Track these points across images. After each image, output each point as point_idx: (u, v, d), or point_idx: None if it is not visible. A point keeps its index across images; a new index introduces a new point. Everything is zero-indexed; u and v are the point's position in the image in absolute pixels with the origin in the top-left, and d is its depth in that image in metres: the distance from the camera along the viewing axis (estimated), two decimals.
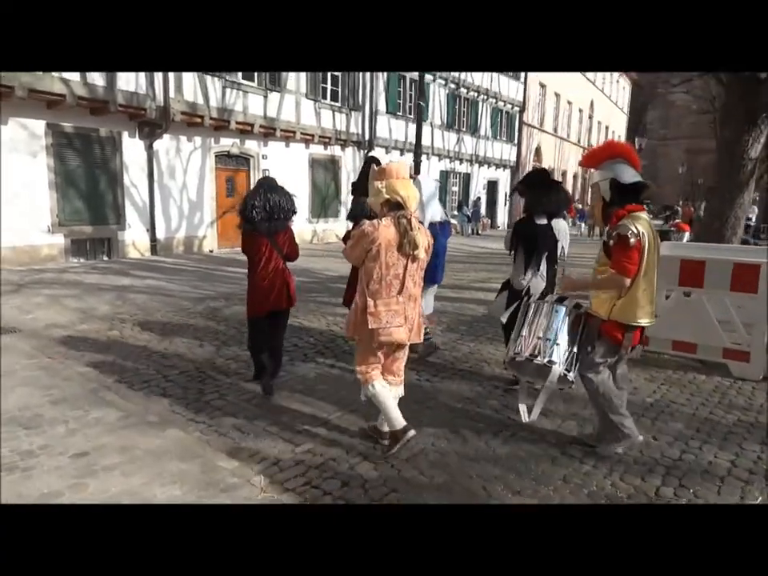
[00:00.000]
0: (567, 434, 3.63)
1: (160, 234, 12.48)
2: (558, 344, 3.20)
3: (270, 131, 14.17)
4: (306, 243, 16.20)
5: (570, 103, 35.52)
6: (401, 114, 19.12)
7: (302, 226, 16.10)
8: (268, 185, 4.16)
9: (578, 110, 37.53)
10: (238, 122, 13.20)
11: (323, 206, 16.81)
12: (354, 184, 4.97)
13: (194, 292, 8.40)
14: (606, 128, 44.86)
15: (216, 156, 13.52)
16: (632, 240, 2.93)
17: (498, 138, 25.74)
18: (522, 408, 3.45)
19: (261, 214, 4.00)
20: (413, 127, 19.63)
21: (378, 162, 3.66)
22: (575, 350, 3.22)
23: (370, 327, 3.06)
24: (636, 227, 2.95)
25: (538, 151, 30.98)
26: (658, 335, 4.98)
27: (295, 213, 4.22)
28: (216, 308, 7.29)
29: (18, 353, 5.00)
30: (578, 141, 38.18)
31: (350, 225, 4.57)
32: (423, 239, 3.14)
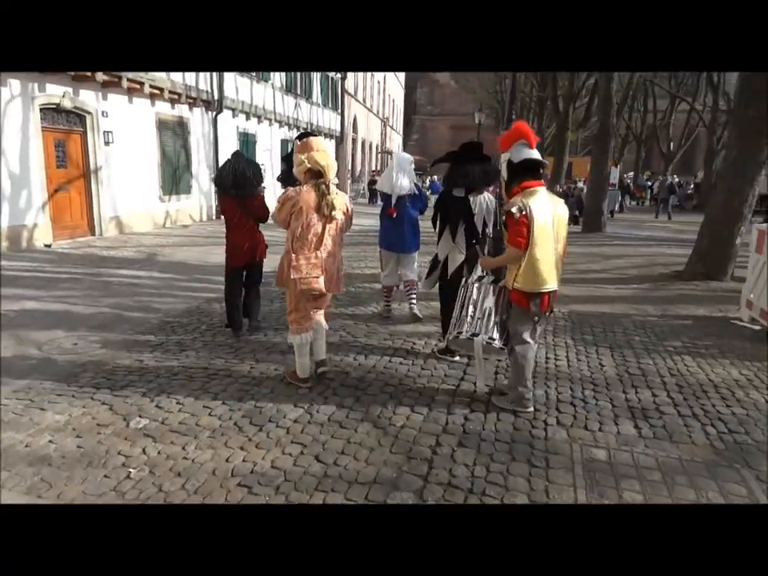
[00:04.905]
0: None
1: None
2: (479, 318, 3.50)
3: (113, 80, 10.52)
4: (159, 227, 12.83)
5: (372, 75, 35.48)
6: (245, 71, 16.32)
7: (152, 206, 12.65)
8: (238, 156, 4.83)
9: (377, 83, 37.79)
10: None
11: (174, 180, 13.41)
12: (284, 157, 5.18)
13: (133, 316, 5.50)
14: (393, 101, 46.37)
15: (42, 110, 9.49)
16: (516, 215, 3.18)
17: (327, 105, 24.21)
18: (479, 380, 3.78)
19: (229, 182, 4.63)
20: (258, 88, 17.18)
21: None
22: (497, 319, 3.51)
23: (291, 277, 3.49)
24: (523, 202, 3.20)
25: (354, 122, 30.26)
26: None
27: (260, 181, 4.81)
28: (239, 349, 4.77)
29: None
30: (378, 113, 38.59)
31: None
32: (341, 203, 3.58)
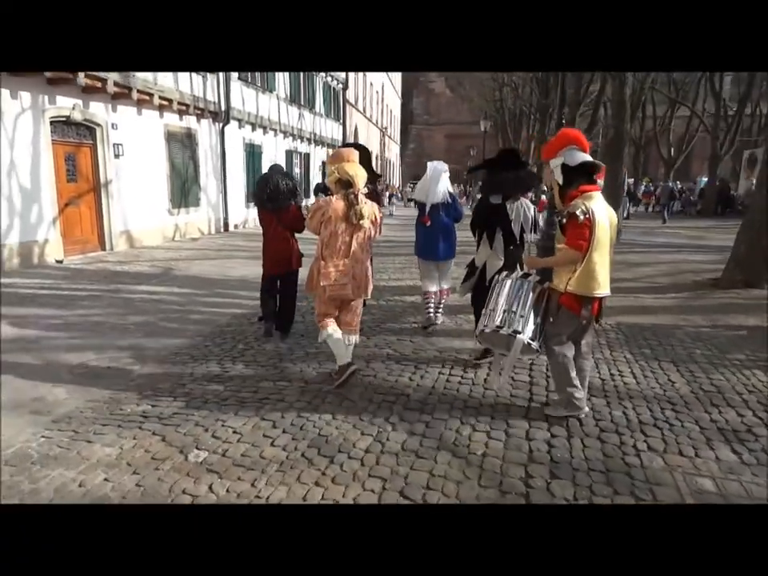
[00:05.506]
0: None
1: None
2: (522, 316, 3.35)
3: (123, 91, 10.29)
4: (168, 241, 12.56)
5: (371, 85, 35.45)
6: (251, 81, 16.13)
7: (162, 219, 12.39)
8: (274, 170, 5.04)
9: (376, 93, 37.76)
10: (87, 75, 9.18)
11: (183, 193, 13.16)
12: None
13: (164, 334, 5.22)
14: (391, 111, 46.35)
15: (51, 123, 9.24)
16: (581, 217, 3.10)
17: (329, 116, 24.07)
18: (496, 378, 3.75)
19: (265, 195, 4.83)
20: (263, 98, 17.01)
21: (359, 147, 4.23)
22: (539, 320, 3.38)
23: (321, 284, 3.64)
24: (585, 205, 3.13)
25: (355, 132, 30.13)
26: None
27: (296, 194, 4.96)
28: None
29: None
30: (377, 122, 38.52)
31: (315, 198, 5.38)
32: (369, 212, 3.68)
